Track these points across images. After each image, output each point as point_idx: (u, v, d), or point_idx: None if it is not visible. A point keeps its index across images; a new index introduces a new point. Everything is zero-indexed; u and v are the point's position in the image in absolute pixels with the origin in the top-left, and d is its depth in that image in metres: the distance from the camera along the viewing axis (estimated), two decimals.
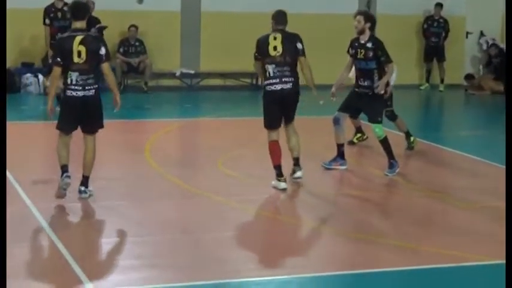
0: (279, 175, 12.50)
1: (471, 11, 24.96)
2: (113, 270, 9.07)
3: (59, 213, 10.94)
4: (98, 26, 19.80)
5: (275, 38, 12.39)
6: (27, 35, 21.66)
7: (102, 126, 12.07)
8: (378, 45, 13.23)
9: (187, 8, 22.74)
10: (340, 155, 13.72)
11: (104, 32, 19.76)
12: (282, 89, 12.39)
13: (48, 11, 18.71)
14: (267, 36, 12.46)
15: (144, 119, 18.62)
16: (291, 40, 12.49)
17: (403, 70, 24.23)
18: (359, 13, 13.41)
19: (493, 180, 14.15)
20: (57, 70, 11.47)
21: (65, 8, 18.16)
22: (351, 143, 15.40)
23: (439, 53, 24.22)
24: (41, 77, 21.42)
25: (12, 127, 17.54)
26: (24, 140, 16.32)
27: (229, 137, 15.91)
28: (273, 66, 12.38)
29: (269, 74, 12.42)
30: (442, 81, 24.23)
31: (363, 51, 13.17)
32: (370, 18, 13.39)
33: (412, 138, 15.35)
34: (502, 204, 12.20)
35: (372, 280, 9.10)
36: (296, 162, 12.81)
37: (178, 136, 17.39)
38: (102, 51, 11.53)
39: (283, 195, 12.49)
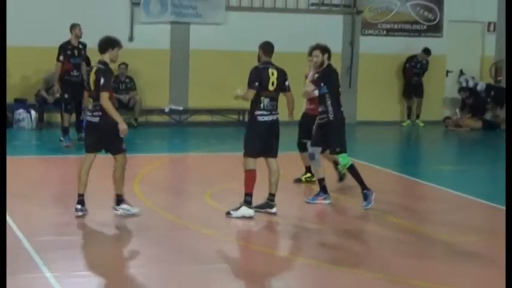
0: (250, 203, 12.67)
1: (451, 51, 25.11)
2: None
3: (50, 245, 10.88)
4: (89, 67, 19.82)
5: (273, 74, 12.65)
6: (19, 72, 21.66)
7: (120, 150, 12.92)
8: (327, 74, 13.29)
9: (177, 46, 22.83)
10: (323, 189, 13.74)
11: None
12: (272, 120, 12.71)
13: (65, 48, 18.56)
14: (267, 70, 12.66)
15: (134, 153, 18.56)
16: (282, 77, 12.76)
17: (385, 107, 24.48)
18: (315, 48, 13.46)
19: (471, 214, 14.22)
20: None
21: (80, 46, 18.44)
22: (298, 180, 15.13)
23: (419, 90, 24.37)
24: (33, 112, 21.42)
25: (8, 163, 17.59)
26: (17, 174, 16.29)
27: (216, 171, 15.93)
28: (268, 99, 12.65)
29: (263, 106, 12.64)
30: (418, 116, 24.42)
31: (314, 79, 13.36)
32: (326, 50, 13.42)
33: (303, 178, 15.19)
34: (479, 237, 12.34)
35: None
36: (273, 198, 12.95)
37: (166, 170, 17.41)
38: (101, 81, 12.20)
39: (267, 228, 12.55)
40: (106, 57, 12.68)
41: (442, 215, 14.01)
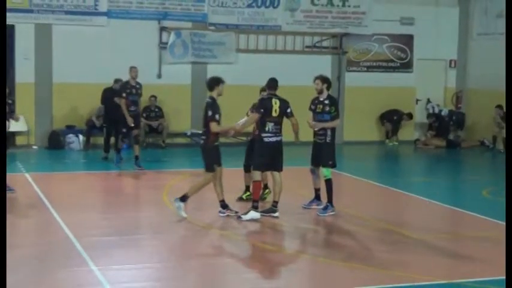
0: (257, 207, 12.79)
1: (420, 83, 25.13)
2: None
3: (95, 243, 10.90)
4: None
5: (275, 103, 12.77)
6: (69, 104, 21.71)
7: (206, 168, 13.03)
8: (333, 101, 13.33)
9: (196, 81, 22.81)
10: (317, 197, 13.74)
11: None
12: (276, 141, 12.81)
13: (125, 88, 18.05)
14: (271, 100, 12.80)
15: (162, 169, 18.63)
16: (284, 105, 12.86)
17: (366, 130, 24.49)
18: (317, 77, 13.38)
19: (438, 216, 14.21)
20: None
21: (137, 86, 18.05)
22: (240, 199, 14.16)
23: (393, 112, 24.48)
24: (80, 136, 21.45)
25: (58, 176, 17.65)
26: (67, 186, 16.33)
27: (229, 183, 15.91)
28: (272, 124, 12.75)
29: (268, 129, 12.75)
30: (395, 133, 24.48)
31: (320, 106, 13.23)
32: (326, 80, 13.42)
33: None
34: (445, 235, 12.32)
35: None
36: (276, 204, 12.97)
37: (189, 182, 17.36)
38: (209, 113, 12.88)
39: (270, 228, 12.48)
40: (214, 93, 12.88)
41: (414, 218, 14.03)
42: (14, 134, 21.12)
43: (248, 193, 14.09)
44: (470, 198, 15.89)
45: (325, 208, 13.34)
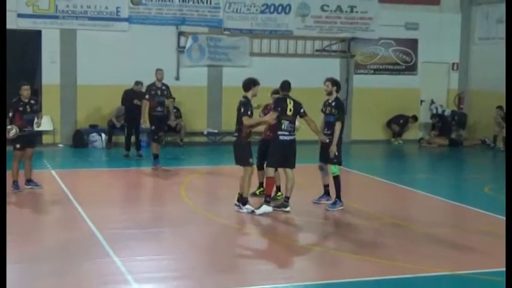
0: (269, 202, 12.82)
1: (424, 85, 25.07)
2: (155, 280, 9.07)
3: (117, 236, 10.92)
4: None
5: (290, 103, 12.78)
6: (92, 104, 21.75)
7: (242, 164, 12.91)
8: (338, 105, 13.22)
9: (212, 83, 22.87)
10: (326, 193, 13.72)
11: None
12: (290, 139, 12.82)
13: (150, 89, 17.68)
14: (285, 100, 12.79)
15: (180, 166, 18.63)
16: (297, 106, 12.86)
17: (372, 129, 24.43)
18: (328, 79, 13.42)
19: (441, 211, 14.17)
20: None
21: (163, 87, 17.72)
22: (253, 194, 13.94)
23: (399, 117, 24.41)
24: (103, 135, 21.49)
25: (82, 173, 17.70)
26: (90, 182, 16.38)
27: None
28: (287, 122, 12.76)
29: (284, 127, 12.75)
30: (400, 135, 24.42)
31: (329, 108, 13.23)
32: (336, 83, 13.42)
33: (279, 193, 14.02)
34: (448, 229, 12.28)
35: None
36: (288, 200, 12.98)
37: (205, 179, 17.40)
38: (242, 110, 12.95)
39: (282, 222, 12.47)
40: (249, 93, 12.92)
41: (419, 213, 13.98)
42: (40, 132, 21.19)
43: (261, 189, 14.04)
44: (472, 195, 15.84)
45: (334, 203, 13.33)
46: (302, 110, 12.91)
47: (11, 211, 12.85)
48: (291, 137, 12.85)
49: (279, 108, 12.73)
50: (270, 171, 12.91)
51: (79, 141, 21.38)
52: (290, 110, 12.76)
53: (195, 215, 12.97)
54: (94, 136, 21.49)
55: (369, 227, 12.23)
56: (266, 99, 13.87)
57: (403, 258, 10.22)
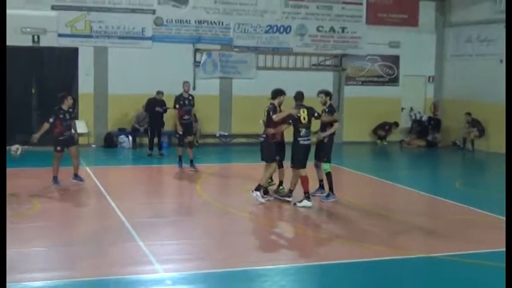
0: (309, 198, 12.69)
1: (405, 95, 25.06)
2: (175, 261, 9.10)
3: (142, 224, 10.95)
4: (164, 108, 19.78)
5: (303, 112, 12.69)
6: (120, 111, 21.78)
7: (272, 160, 12.91)
8: (330, 110, 13.21)
9: (224, 93, 22.88)
10: (321, 186, 13.73)
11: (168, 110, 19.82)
12: (308, 143, 12.77)
13: (178, 99, 16.92)
14: (299, 110, 12.69)
15: (196, 164, 18.64)
16: (311, 111, 12.81)
17: (361, 132, 24.42)
18: (320, 92, 13.35)
19: (418, 202, 14.17)
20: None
21: (190, 97, 17.09)
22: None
23: (384, 124, 24.39)
24: (130, 137, 21.54)
25: (112, 170, 17.74)
26: (119, 178, 16.43)
27: (251, 175, 15.94)
28: (304, 129, 12.67)
29: (302, 134, 12.64)
30: (385, 138, 24.37)
31: (323, 113, 13.15)
32: (328, 93, 13.44)
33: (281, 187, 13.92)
34: (424, 218, 12.28)
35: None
36: (291, 192, 13.02)
37: (218, 175, 17.41)
38: (270, 114, 12.79)
39: (284, 211, 12.47)
40: (275, 101, 12.90)
41: (399, 203, 14.00)
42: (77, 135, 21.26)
43: (281, 187, 13.83)
44: (445, 188, 15.83)
45: (328, 196, 13.33)
46: (316, 114, 12.86)
47: (51, 202, 12.94)
48: (309, 142, 12.79)
49: (290, 121, 12.69)
50: (302, 172, 12.75)
51: (109, 142, 21.43)
52: (304, 118, 12.67)
53: (209, 206, 13.00)
54: (122, 138, 21.54)
55: (357, 216, 12.24)
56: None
57: (386, 243, 10.23)
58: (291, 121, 12.71)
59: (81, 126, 21.21)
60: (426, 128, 24.47)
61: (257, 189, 12.85)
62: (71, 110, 14.52)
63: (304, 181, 12.76)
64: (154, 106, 19.61)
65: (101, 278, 8.22)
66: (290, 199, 12.96)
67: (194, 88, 22.12)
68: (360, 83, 24.43)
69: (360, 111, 24.12)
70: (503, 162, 20.32)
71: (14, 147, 14.29)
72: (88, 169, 16.76)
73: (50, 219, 11.48)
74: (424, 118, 24.74)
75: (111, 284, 8.00)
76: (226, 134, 22.76)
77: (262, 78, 22.61)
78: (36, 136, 13.96)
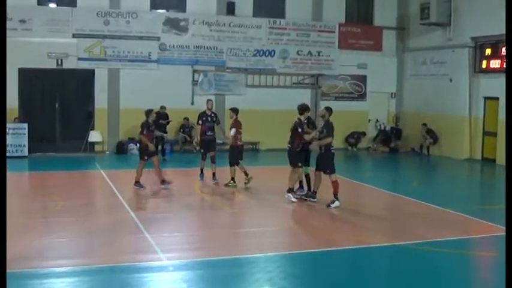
0: (338, 199, 12.36)
1: (371, 109, 25.11)
2: (176, 250, 9.10)
3: (148, 218, 10.95)
4: (167, 120, 19.76)
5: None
6: (130, 123, 21.66)
7: (294, 165, 12.66)
8: (325, 125, 12.63)
9: (218, 107, 22.42)
10: (301, 186, 13.52)
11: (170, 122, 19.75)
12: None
13: (202, 116, 15.49)
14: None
15: (195, 168, 18.58)
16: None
17: (336, 141, 24.35)
18: (324, 108, 12.91)
19: (381, 199, 14.22)
20: None
21: (212, 114, 15.74)
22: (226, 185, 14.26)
23: (354, 133, 24.43)
24: (138, 145, 21.30)
25: (123, 173, 17.68)
26: (130, 179, 16.37)
27: (242, 177, 15.88)
28: (333, 140, 12.56)
29: (332, 144, 12.53)
30: (355, 145, 24.41)
31: (320, 128, 12.72)
32: (331, 110, 12.87)
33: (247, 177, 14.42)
34: (386, 212, 12.33)
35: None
36: (315, 193, 12.81)
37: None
38: (298, 129, 12.56)
39: (271, 207, 12.39)
40: (302, 116, 12.69)
41: (367, 200, 14.02)
42: (93, 143, 21.22)
43: (231, 181, 13.99)
44: (404, 187, 15.86)
45: (308, 196, 12.95)
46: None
47: (71, 200, 12.90)
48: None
49: (326, 130, 12.47)
50: (333, 177, 12.47)
51: (121, 149, 21.37)
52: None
53: (206, 202, 13.00)
54: (132, 146, 21.43)
55: (331, 211, 12.23)
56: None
57: (355, 233, 10.28)
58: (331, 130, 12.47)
59: (96, 136, 21.20)
60: (389, 137, 24.54)
61: (288, 191, 12.74)
62: (163, 121, 14.26)
63: (336, 185, 12.44)
64: (159, 119, 19.65)
65: (114, 264, 8.23)
66: (315, 199, 12.70)
67: (192, 103, 22.15)
68: (334, 98, 24.44)
69: (334, 123, 24.09)
70: (453, 165, 20.56)
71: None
72: (103, 172, 16.74)
73: (71, 215, 11.47)
74: (388, 128, 24.81)
75: (124, 270, 8.01)
76: (221, 142, 22.61)
77: (250, 95, 22.65)
78: (151, 146, 14.07)
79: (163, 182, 14.27)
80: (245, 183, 14.42)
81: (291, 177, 12.90)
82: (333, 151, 12.56)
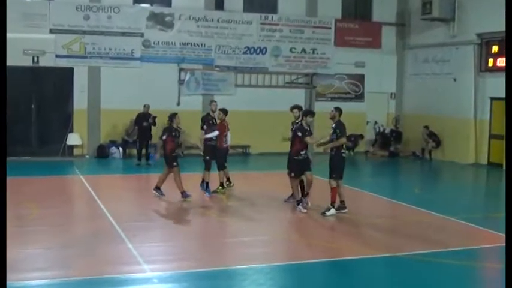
0: (334, 206, 12.47)
1: (369, 110, 25.19)
2: (161, 262, 9.10)
3: (131, 227, 10.90)
4: (150, 122, 19.74)
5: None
6: (111, 124, 21.68)
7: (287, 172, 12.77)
8: (337, 126, 12.64)
9: (206, 108, 22.50)
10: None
11: (156, 121, 19.77)
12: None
13: (207, 120, 14.87)
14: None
15: (182, 173, 18.58)
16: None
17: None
18: (334, 109, 12.90)
19: (379, 206, 14.25)
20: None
21: (215, 117, 15.00)
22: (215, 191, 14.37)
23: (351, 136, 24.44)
24: (120, 148, 21.45)
25: (104, 178, 17.65)
26: (110, 185, 16.34)
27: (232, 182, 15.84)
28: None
29: (344, 146, 12.62)
30: (352, 149, 24.44)
31: (331, 130, 12.74)
32: (340, 110, 12.84)
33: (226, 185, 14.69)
34: (385, 219, 12.35)
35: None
36: (343, 203, 12.76)
37: (199, 183, 17.37)
38: (299, 134, 12.72)
39: (260, 216, 12.41)
40: (303, 120, 12.76)
41: (364, 207, 14.03)
42: (72, 146, 21.17)
43: (220, 187, 14.13)
44: (405, 194, 15.93)
45: (299, 203, 12.97)
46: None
47: (47, 208, 12.83)
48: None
49: (339, 130, 12.50)
50: (333, 183, 12.52)
51: (101, 153, 21.33)
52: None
53: (192, 210, 12.99)
54: (113, 149, 21.44)
55: (326, 220, 12.24)
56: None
57: (352, 243, 10.28)
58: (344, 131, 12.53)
59: (75, 139, 21.15)
60: (389, 140, 24.63)
61: (297, 203, 12.76)
62: (179, 129, 14.07)
63: (335, 192, 12.51)
64: (143, 121, 19.66)
65: (94, 276, 8.18)
66: (345, 211, 12.63)
67: (178, 104, 22.16)
68: (329, 99, 24.51)
69: (330, 125, 24.14)
70: (457, 170, 20.63)
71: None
72: (82, 177, 16.69)
73: (47, 224, 11.40)
74: (387, 131, 24.90)
75: (105, 283, 7.97)
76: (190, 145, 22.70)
77: (240, 95, 22.67)
78: (159, 154, 13.98)
79: (185, 194, 13.80)
80: (218, 190, 14.42)
81: (292, 187, 12.92)
82: (344, 154, 12.62)
